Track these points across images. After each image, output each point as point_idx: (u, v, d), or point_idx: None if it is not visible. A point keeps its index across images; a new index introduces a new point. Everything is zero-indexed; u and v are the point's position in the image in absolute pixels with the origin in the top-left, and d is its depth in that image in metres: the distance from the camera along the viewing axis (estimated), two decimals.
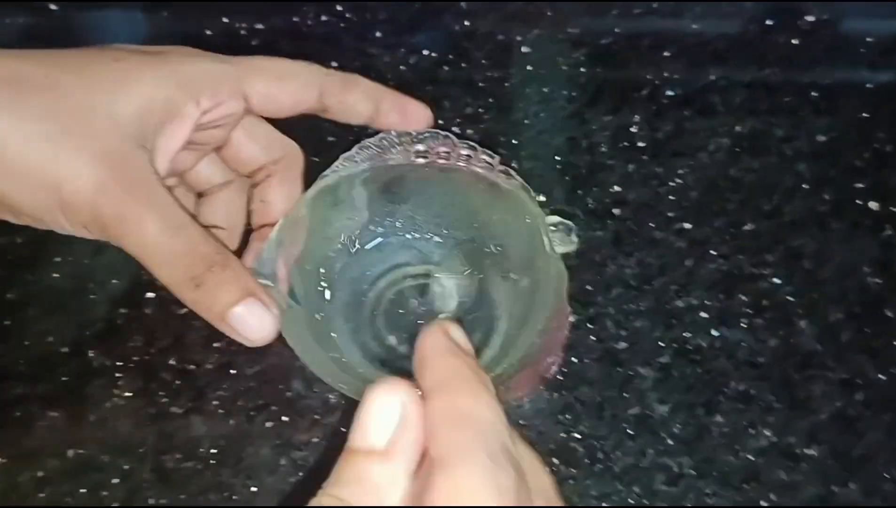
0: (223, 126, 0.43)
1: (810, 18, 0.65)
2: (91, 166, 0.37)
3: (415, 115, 0.46)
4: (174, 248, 0.37)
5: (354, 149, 0.46)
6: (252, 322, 0.39)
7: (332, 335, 0.48)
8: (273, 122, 0.46)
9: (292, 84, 0.43)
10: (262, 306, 0.39)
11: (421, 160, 0.46)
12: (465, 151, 0.45)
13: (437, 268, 0.50)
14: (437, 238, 0.50)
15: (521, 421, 0.49)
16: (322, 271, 0.48)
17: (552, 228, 0.44)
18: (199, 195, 0.49)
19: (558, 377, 0.49)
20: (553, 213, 0.45)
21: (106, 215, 0.37)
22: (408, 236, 0.50)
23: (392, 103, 0.46)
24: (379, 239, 0.49)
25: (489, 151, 0.46)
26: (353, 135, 0.59)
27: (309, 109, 0.45)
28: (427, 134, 0.46)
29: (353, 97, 0.45)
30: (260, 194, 0.47)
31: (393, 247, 0.50)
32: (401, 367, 0.48)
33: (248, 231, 0.47)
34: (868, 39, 0.64)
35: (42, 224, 0.39)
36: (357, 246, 0.49)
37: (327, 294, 0.49)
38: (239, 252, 0.47)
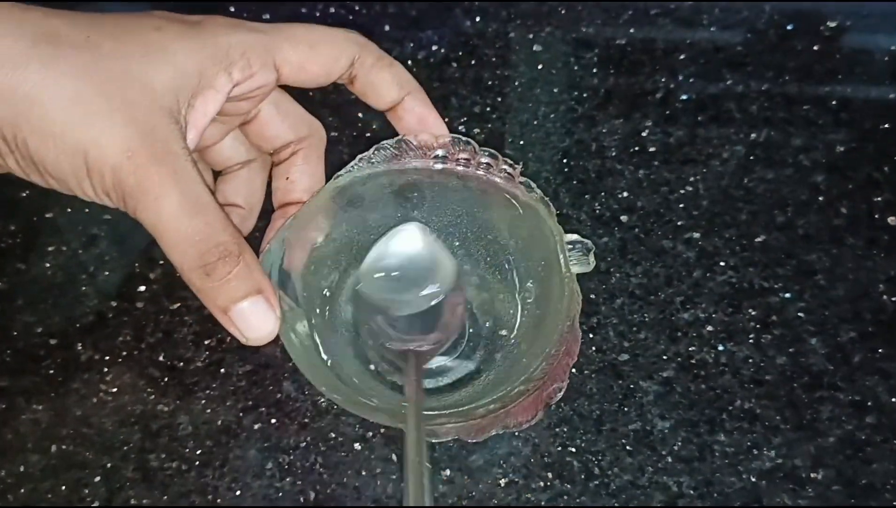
0: (253, 98, 0.43)
1: (832, 24, 0.63)
2: (120, 132, 0.36)
3: (431, 128, 0.45)
4: (190, 229, 0.37)
5: (371, 150, 0.45)
6: (254, 321, 0.38)
7: (332, 340, 0.46)
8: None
9: (325, 52, 0.42)
10: (267, 306, 0.38)
11: (439, 166, 0.45)
12: (485, 159, 0.44)
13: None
14: (448, 247, 0.48)
15: (515, 432, 0.47)
16: (327, 273, 0.47)
17: (569, 246, 0.43)
18: (219, 174, 0.48)
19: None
20: (570, 231, 0.43)
21: (128, 184, 0.36)
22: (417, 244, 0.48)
23: (417, 104, 0.45)
24: (389, 244, 0.48)
25: (510, 161, 0.44)
26: (356, 131, 0.58)
27: (340, 78, 0.44)
28: (448, 138, 0.44)
29: (383, 77, 0.44)
30: (284, 172, 0.46)
31: (400, 254, 0.48)
32: (396, 381, 0.46)
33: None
34: (892, 48, 0.62)
35: (66, 188, 0.38)
36: (366, 250, 0.48)
37: (329, 297, 0.47)
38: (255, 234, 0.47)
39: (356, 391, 0.44)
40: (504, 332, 0.47)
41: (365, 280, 0.46)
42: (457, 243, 0.48)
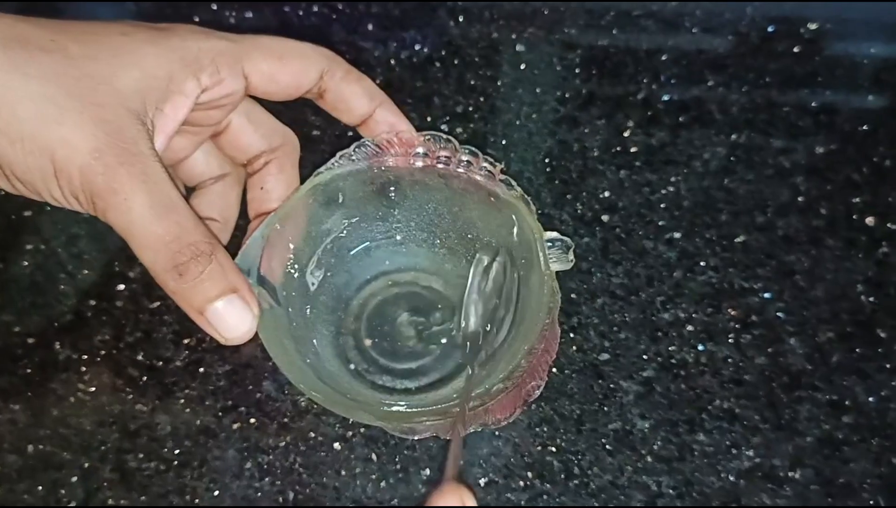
0: (222, 107, 0.42)
1: (813, 27, 0.63)
2: (88, 132, 0.36)
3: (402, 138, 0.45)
4: (161, 230, 0.36)
5: (353, 147, 0.45)
6: (230, 320, 0.38)
7: (313, 339, 0.46)
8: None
9: (294, 64, 0.42)
10: (243, 304, 0.38)
11: (420, 163, 0.45)
12: (465, 158, 0.44)
13: (424, 276, 0.49)
14: (429, 246, 0.48)
15: (496, 432, 0.47)
16: (307, 271, 0.47)
17: (549, 244, 0.43)
18: (193, 190, 0.48)
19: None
20: (551, 230, 0.43)
21: (96, 185, 0.36)
22: (399, 240, 0.48)
23: (388, 114, 0.45)
24: (369, 242, 0.48)
25: (491, 159, 0.44)
26: (339, 130, 0.58)
27: (309, 92, 0.43)
28: (429, 136, 0.44)
29: (353, 90, 0.44)
30: (259, 182, 0.46)
31: (382, 251, 0.49)
32: (375, 381, 0.46)
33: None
34: (872, 51, 0.62)
35: (34, 192, 0.38)
36: (346, 247, 0.48)
37: (310, 296, 0.47)
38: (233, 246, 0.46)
39: (336, 389, 0.44)
40: (486, 329, 0.47)
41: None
42: (438, 241, 0.48)
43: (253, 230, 0.46)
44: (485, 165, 0.44)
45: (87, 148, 0.36)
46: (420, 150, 0.45)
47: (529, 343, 0.41)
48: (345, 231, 0.47)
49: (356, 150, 0.45)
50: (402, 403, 0.41)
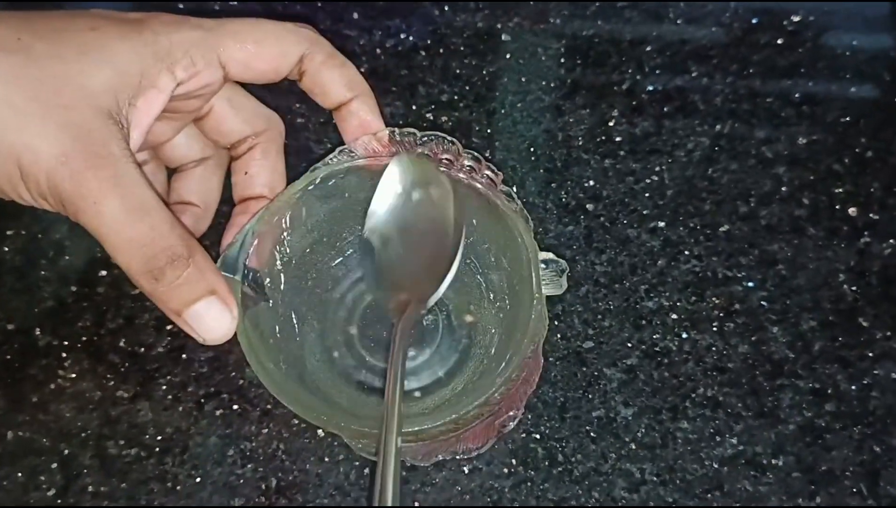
0: (201, 96, 0.42)
1: (796, 19, 0.64)
2: (54, 137, 0.35)
3: (371, 132, 0.44)
4: (135, 233, 0.36)
5: (352, 142, 0.44)
6: (209, 322, 0.38)
7: (299, 335, 0.46)
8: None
9: (271, 49, 0.41)
10: (222, 306, 0.38)
11: None
12: (468, 162, 0.43)
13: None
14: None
15: (464, 458, 0.47)
16: (299, 266, 0.46)
17: (543, 265, 0.42)
18: (174, 171, 0.47)
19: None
20: (535, 220, 0.43)
21: (65, 189, 0.35)
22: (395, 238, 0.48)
23: (363, 109, 0.44)
24: (365, 241, 0.47)
25: (493, 167, 0.44)
26: (324, 117, 0.58)
27: (290, 74, 0.43)
28: (432, 137, 0.44)
29: (332, 76, 0.43)
30: (242, 167, 0.45)
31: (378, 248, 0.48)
32: (363, 380, 0.46)
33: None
34: (854, 43, 0.63)
35: (2, 193, 0.37)
36: (340, 245, 0.48)
37: (301, 290, 0.47)
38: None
39: (315, 389, 0.43)
40: (477, 339, 0.47)
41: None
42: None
43: (237, 216, 0.45)
44: (487, 172, 0.44)
45: (52, 153, 0.35)
46: (421, 150, 0.44)
47: (510, 370, 0.39)
48: (340, 227, 0.47)
49: (356, 146, 0.44)
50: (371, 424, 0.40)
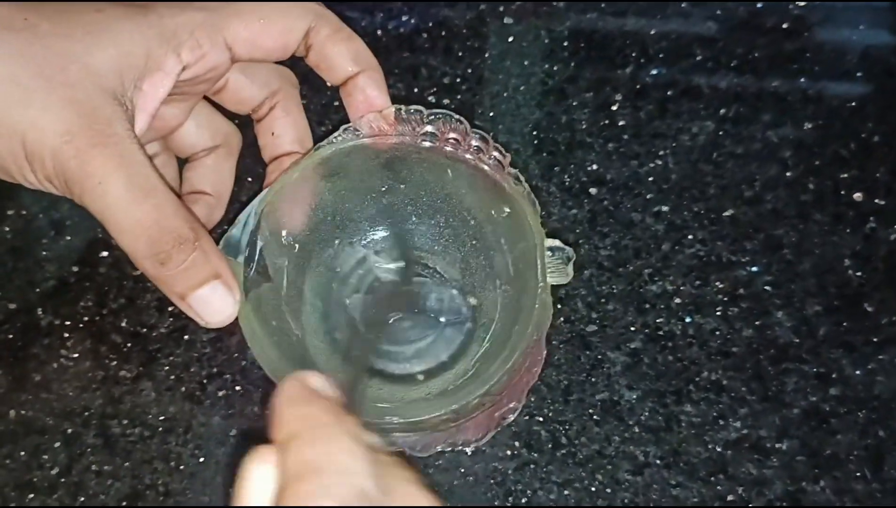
0: (209, 80, 0.41)
1: (801, 3, 0.63)
2: (59, 114, 0.35)
3: (377, 108, 0.44)
4: (140, 214, 0.35)
5: (352, 125, 0.44)
6: (213, 305, 0.38)
7: (302, 315, 0.46)
8: None
9: (277, 25, 0.41)
10: (226, 289, 0.38)
11: (427, 144, 0.43)
12: (475, 143, 0.43)
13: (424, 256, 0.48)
14: (430, 226, 0.47)
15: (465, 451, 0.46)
16: (303, 245, 0.46)
17: (549, 252, 0.41)
18: (185, 162, 0.47)
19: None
20: (541, 203, 0.43)
21: (69, 169, 0.35)
22: (400, 219, 0.47)
23: (369, 84, 0.43)
24: (369, 218, 0.47)
25: (501, 148, 0.43)
26: (326, 99, 0.57)
27: (297, 50, 0.43)
28: (440, 115, 0.43)
29: (338, 50, 0.43)
30: (268, 128, 0.45)
31: (383, 230, 0.48)
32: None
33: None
34: (860, 28, 0.62)
35: (8, 176, 0.37)
36: (345, 223, 0.47)
37: (305, 269, 0.46)
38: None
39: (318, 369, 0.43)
40: (482, 323, 0.46)
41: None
42: (442, 222, 0.47)
43: (271, 174, 0.45)
44: (495, 154, 0.43)
45: (57, 131, 0.34)
46: (429, 129, 0.43)
47: (513, 359, 0.39)
48: (345, 206, 0.47)
49: (361, 124, 0.44)
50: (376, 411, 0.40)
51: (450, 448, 0.43)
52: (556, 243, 0.42)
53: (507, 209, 0.43)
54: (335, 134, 0.44)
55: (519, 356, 0.39)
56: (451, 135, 0.43)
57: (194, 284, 0.37)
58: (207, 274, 0.37)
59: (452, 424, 0.40)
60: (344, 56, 0.43)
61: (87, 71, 0.36)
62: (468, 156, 0.43)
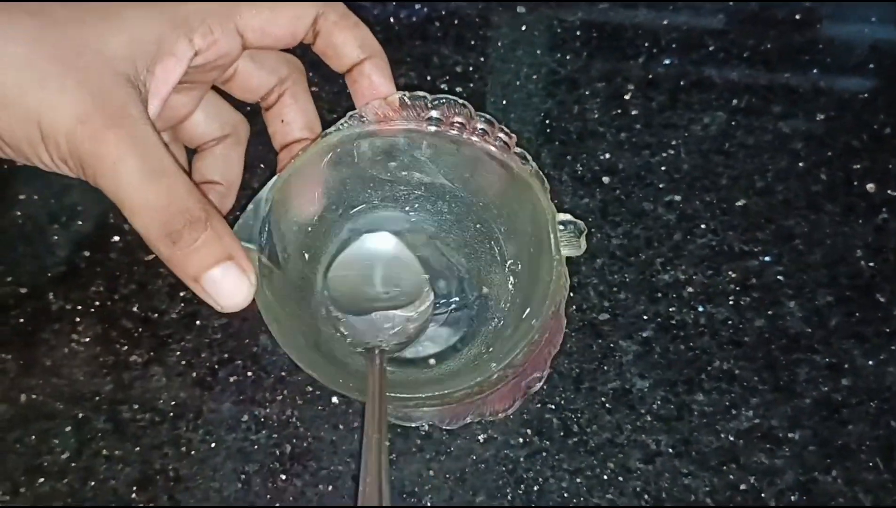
0: (220, 66, 0.42)
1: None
2: (73, 96, 0.35)
3: (381, 95, 0.44)
4: (153, 195, 0.35)
5: (358, 110, 0.44)
6: (227, 288, 0.37)
7: (312, 302, 0.45)
8: None
9: (287, 13, 0.41)
10: (240, 271, 0.37)
11: (432, 128, 0.43)
12: (481, 126, 0.43)
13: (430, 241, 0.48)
14: (436, 211, 0.47)
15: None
16: (311, 232, 0.46)
17: (561, 227, 0.41)
18: (194, 151, 0.47)
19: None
20: (552, 192, 0.43)
21: (84, 150, 0.35)
22: (406, 205, 0.47)
23: (375, 71, 0.43)
24: (375, 204, 0.47)
25: (506, 129, 0.43)
26: (337, 87, 0.57)
27: (306, 38, 0.43)
28: (444, 100, 0.43)
29: (345, 37, 0.43)
30: (277, 115, 0.45)
31: (389, 214, 0.48)
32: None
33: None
34: (872, 19, 0.62)
35: (23, 157, 0.37)
36: (351, 209, 0.47)
37: (313, 257, 0.46)
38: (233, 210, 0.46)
39: (330, 356, 0.43)
40: (491, 305, 0.46)
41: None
42: (446, 209, 0.47)
43: (282, 162, 0.45)
44: (500, 135, 0.43)
45: (72, 113, 0.35)
46: (434, 114, 0.43)
47: (532, 332, 0.39)
48: (352, 193, 0.47)
49: (366, 110, 0.44)
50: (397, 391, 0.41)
51: (478, 419, 0.43)
52: (568, 217, 0.42)
53: (516, 188, 0.43)
54: (341, 121, 0.44)
55: (538, 329, 0.39)
56: (456, 119, 0.43)
57: (207, 264, 0.36)
58: (220, 254, 0.37)
59: (478, 397, 0.40)
60: (350, 43, 0.43)
61: (101, 56, 0.36)
62: (473, 138, 0.43)
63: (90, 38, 0.36)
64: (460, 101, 0.43)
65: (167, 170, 0.36)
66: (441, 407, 0.40)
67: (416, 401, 0.40)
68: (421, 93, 0.43)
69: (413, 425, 0.44)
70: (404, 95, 0.43)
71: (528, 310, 0.41)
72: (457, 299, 0.47)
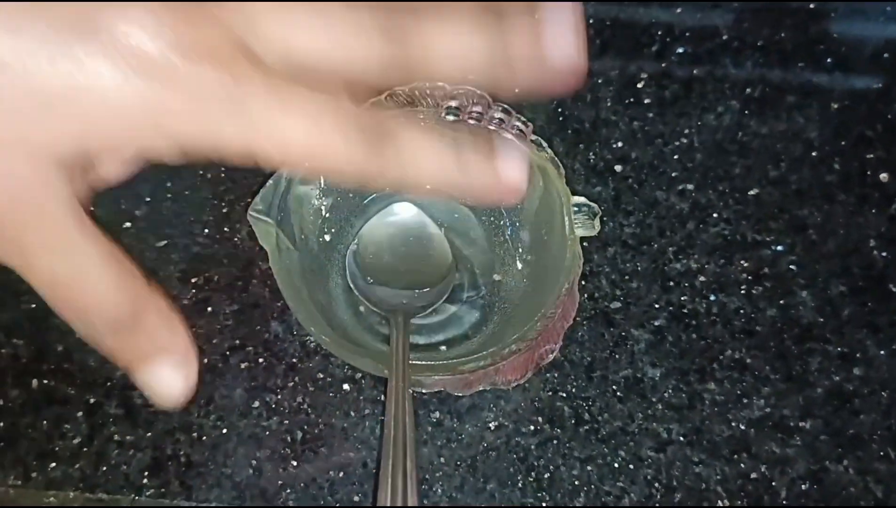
0: None
1: None
2: None
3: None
4: (77, 298, 0.32)
5: (383, 96, 0.44)
6: (163, 383, 0.35)
7: (326, 284, 0.46)
8: None
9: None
10: (174, 369, 0.34)
11: (451, 117, 0.44)
12: (498, 115, 0.43)
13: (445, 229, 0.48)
14: (451, 202, 0.47)
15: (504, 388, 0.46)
16: (327, 216, 0.46)
17: (576, 209, 0.43)
18: None
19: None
20: (568, 182, 0.43)
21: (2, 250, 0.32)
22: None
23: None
24: (391, 194, 0.47)
25: (523, 118, 0.44)
26: None
27: None
28: (461, 90, 0.43)
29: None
30: None
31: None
32: (385, 331, 0.46)
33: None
34: (888, 8, 0.62)
35: None
36: (368, 197, 0.47)
37: (327, 243, 0.47)
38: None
39: (345, 336, 0.43)
40: (503, 288, 0.47)
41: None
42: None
43: None
44: (517, 123, 0.44)
45: None
46: (452, 103, 0.44)
47: (545, 307, 0.41)
48: None
49: (387, 99, 0.44)
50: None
51: (490, 387, 0.43)
52: (582, 200, 0.43)
53: (532, 176, 0.43)
54: (363, 106, 0.43)
55: (552, 304, 0.40)
56: (475, 108, 0.43)
57: (140, 357, 0.34)
58: (152, 350, 0.34)
59: (491, 367, 0.41)
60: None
61: (25, 143, 0.33)
62: (491, 127, 0.43)
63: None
64: (479, 91, 0.43)
65: (92, 267, 0.32)
66: (454, 376, 0.41)
67: (429, 370, 0.41)
68: (440, 83, 0.43)
69: (425, 391, 0.44)
70: (424, 84, 0.44)
71: (540, 287, 0.42)
72: (469, 288, 0.47)
